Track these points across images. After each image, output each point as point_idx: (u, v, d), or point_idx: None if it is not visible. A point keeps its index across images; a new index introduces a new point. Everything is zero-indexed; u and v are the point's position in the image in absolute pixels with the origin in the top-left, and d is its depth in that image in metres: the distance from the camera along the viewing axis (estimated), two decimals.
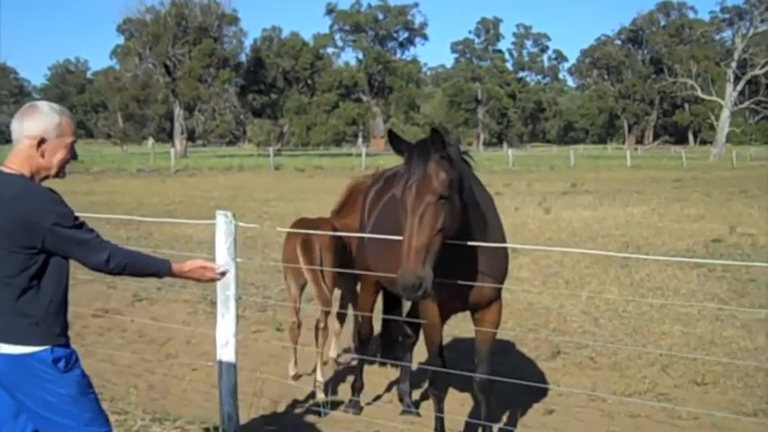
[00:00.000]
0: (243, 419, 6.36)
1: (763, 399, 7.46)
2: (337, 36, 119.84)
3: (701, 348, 9.11)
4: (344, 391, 7.65)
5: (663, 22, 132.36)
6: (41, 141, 3.95)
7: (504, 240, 5.80)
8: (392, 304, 7.73)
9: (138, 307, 11.28)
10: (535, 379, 7.76)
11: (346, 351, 8.85)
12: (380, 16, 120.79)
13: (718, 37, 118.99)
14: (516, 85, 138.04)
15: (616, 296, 11.62)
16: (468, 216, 5.21)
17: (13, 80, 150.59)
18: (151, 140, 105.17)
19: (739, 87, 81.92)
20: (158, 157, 61.66)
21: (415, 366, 7.72)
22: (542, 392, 7.61)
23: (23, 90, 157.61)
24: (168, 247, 15.00)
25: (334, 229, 7.89)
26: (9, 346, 3.89)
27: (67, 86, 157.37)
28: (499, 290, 5.77)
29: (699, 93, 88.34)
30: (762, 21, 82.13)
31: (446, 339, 7.43)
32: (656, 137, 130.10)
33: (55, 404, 3.95)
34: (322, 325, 7.84)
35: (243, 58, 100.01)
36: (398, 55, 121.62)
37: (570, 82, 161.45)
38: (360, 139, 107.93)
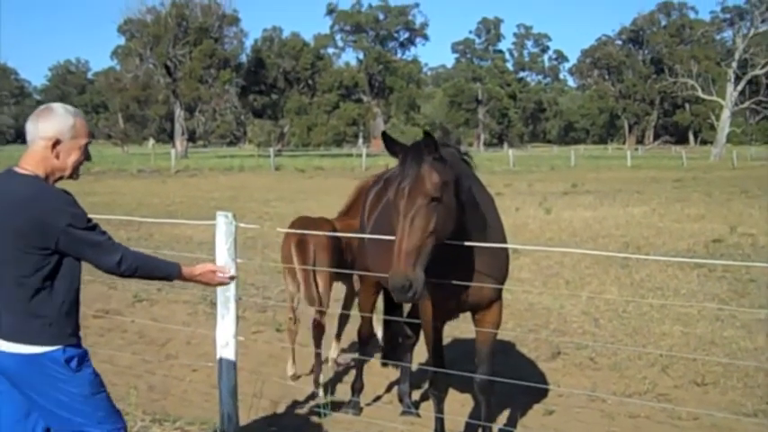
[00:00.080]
0: (243, 420, 6.37)
1: (763, 399, 7.46)
2: (338, 36, 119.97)
3: (702, 349, 9.12)
4: (344, 391, 7.65)
5: (663, 23, 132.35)
6: (56, 143, 4.00)
7: (504, 241, 5.79)
8: (393, 305, 7.72)
9: (138, 308, 11.29)
10: (535, 379, 7.76)
11: (344, 351, 8.85)
12: (381, 16, 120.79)
13: (718, 37, 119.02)
14: (517, 86, 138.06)
15: (616, 296, 11.62)
16: (467, 217, 5.21)
17: (13, 81, 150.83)
18: (152, 141, 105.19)
19: (740, 87, 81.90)
20: (159, 157, 61.66)
21: (415, 367, 7.72)
22: (542, 393, 7.61)
23: (24, 91, 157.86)
24: (168, 248, 15.00)
25: (334, 229, 7.89)
26: (22, 346, 3.93)
27: (68, 87, 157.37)
28: (500, 290, 5.77)
29: (699, 93, 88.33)
30: (762, 21, 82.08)
31: (446, 340, 7.43)
32: (656, 137, 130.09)
33: (68, 403, 3.98)
34: (317, 323, 7.87)
35: (243, 58, 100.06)
36: (399, 55, 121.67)
37: (571, 82, 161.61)
38: (360, 140, 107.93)
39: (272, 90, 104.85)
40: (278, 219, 20.79)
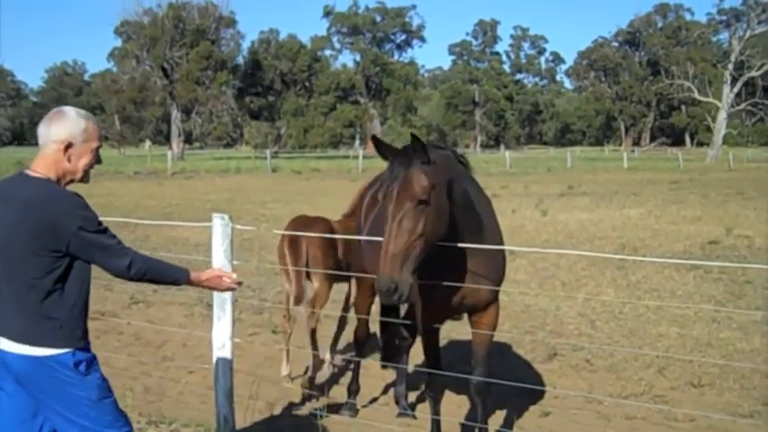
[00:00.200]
0: (239, 422, 6.36)
1: (759, 400, 7.47)
2: (335, 38, 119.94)
3: (698, 350, 9.12)
4: (341, 393, 7.65)
5: (660, 24, 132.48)
6: (68, 146, 4.03)
7: (501, 243, 5.79)
8: (389, 306, 7.71)
9: (134, 310, 11.29)
10: (531, 381, 7.76)
11: (339, 353, 8.83)
12: (378, 18, 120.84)
13: (715, 39, 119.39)
14: (513, 87, 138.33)
15: (612, 298, 11.62)
16: (462, 219, 5.21)
17: (10, 82, 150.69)
18: (148, 143, 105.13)
19: (736, 89, 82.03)
20: (155, 159, 61.61)
21: (411, 369, 7.72)
22: (539, 394, 7.61)
23: (20, 92, 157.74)
24: (165, 250, 14.99)
25: (331, 229, 7.92)
26: (32, 348, 3.94)
27: (64, 89, 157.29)
28: (496, 292, 5.77)
29: (696, 95, 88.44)
30: (759, 22, 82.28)
31: (443, 342, 7.44)
32: (652, 139, 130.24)
33: (75, 407, 4.00)
34: (312, 322, 7.92)
35: (240, 60, 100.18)
36: (396, 57, 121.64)
37: (567, 84, 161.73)
38: (357, 142, 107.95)
39: (268, 92, 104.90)
40: (274, 220, 20.78)
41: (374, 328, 8.21)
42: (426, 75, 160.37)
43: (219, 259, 5.87)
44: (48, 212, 3.88)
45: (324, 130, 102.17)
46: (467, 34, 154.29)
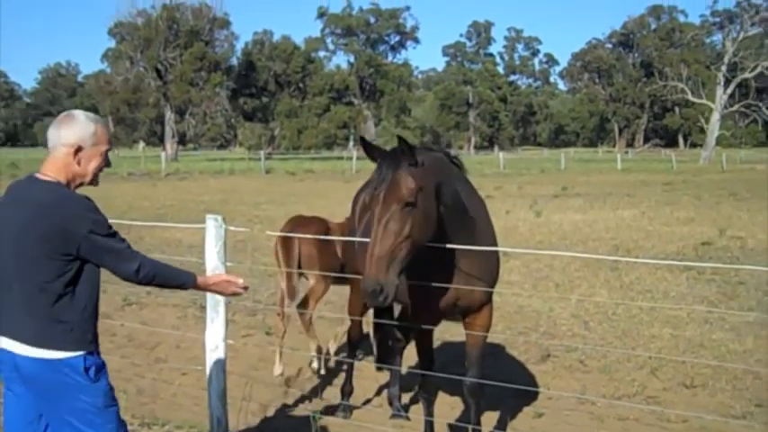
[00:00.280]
0: (232, 424, 6.36)
1: (751, 401, 7.48)
2: (329, 39, 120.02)
3: (690, 351, 9.14)
4: (334, 394, 7.65)
5: (653, 26, 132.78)
6: (78, 149, 4.05)
7: (495, 244, 5.79)
8: (383, 308, 7.73)
9: (127, 311, 11.27)
10: (525, 382, 7.77)
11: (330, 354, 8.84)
12: (372, 20, 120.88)
13: (708, 40, 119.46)
14: (507, 89, 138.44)
15: (606, 299, 11.64)
16: (454, 221, 5.22)
17: (3, 84, 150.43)
18: (142, 144, 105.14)
19: (729, 91, 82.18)
20: (149, 160, 61.58)
21: (404, 370, 7.72)
22: (532, 396, 7.62)
23: (14, 94, 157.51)
24: (159, 251, 14.96)
25: (328, 228, 7.97)
26: (43, 351, 3.94)
27: (58, 90, 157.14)
28: (490, 293, 5.77)
29: (689, 96, 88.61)
30: (752, 24, 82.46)
31: (436, 343, 7.44)
32: (646, 140, 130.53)
33: (80, 413, 4.00)
34: (306, 321, 8.04)
35: (234, 61, 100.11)
36: (390, 58, 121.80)
37: (561, 85, 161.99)
38: (351, 143, 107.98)
39: (262, 93, 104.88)
40: (268, 222, 20.77)
41: (367, 329, 8.23)
42: (420, 76, 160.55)
43: (213, 261, 5.87)
44: (58, 216, 3.90)
45: (318, 131, 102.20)
46: (461, 36, 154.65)
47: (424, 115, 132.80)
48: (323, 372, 8.24)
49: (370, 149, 5.05)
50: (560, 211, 24.99)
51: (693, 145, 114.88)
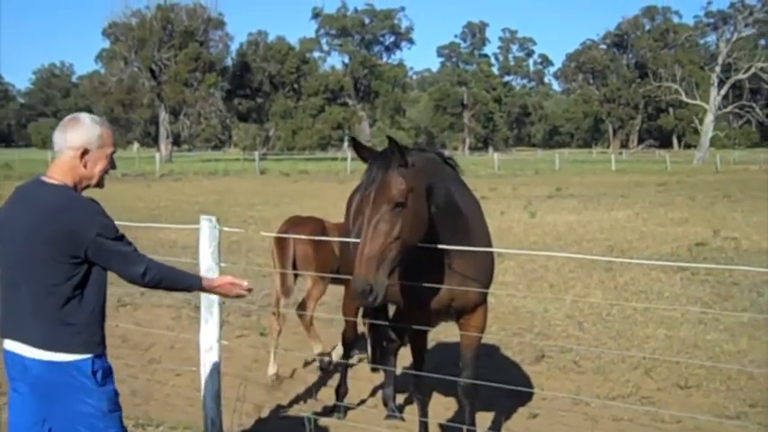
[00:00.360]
0: (226, 425, 6.35)
1: (745, 402, 7.50)
2: (323, 40, 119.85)
3: (685, 352, 9.15)
4: (329, 395, 7.65)
5: (648, 27, 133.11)
6: (84, 152, 4.07)
7: (489, 245, 5.79)
8: (377, 309, 7.73)
9: (121, 312, 11.25)
10: (519, 383, 7.76)
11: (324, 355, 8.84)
12: (367, 20, 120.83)
13: (702, 41, 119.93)
14: (502, 90, 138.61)
15: (600, 300, 11.65)
16: (447, 222, 5.22)
17: None
18: (136, 145, 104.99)
19: (723, 91, 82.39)
20: (143, 161, 61.49)
21: (399, 371, 7.72)
22: (526, 396, 7.63)
23: (8, 94, 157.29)
24: (153, 252, 14.84)
25: (324, 228, 7.98)
26: (52, 354, 3.95)
27: (52, 90, 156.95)
28: (485, 294, 5.77)
29: (683, 97, 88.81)
30: (746, 25, 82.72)
31: (431, 344, 7.44)
32: (640, 141, 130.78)
33: (84, 416, 4.01)
34: (305, 322, 8.11)
35: (229, 62, 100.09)
36: (384, 59, 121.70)
37: (556, 86, 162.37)
38: (345, 144, 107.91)
39: (257, 94, 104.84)
40: (262, 223, 20.76)
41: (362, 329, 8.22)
42: (415, 77, 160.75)
43: (207, 261, 5.87)
44: (66, 219, 3.92)
45: (312, 132, 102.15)
46: (455, 36, 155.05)
47: (419, 116, 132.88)
48: (331, 366, 8.26)
49: (360, 150, 5.06)
50: (555, 212, 25.01)
51: (687, 146, 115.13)
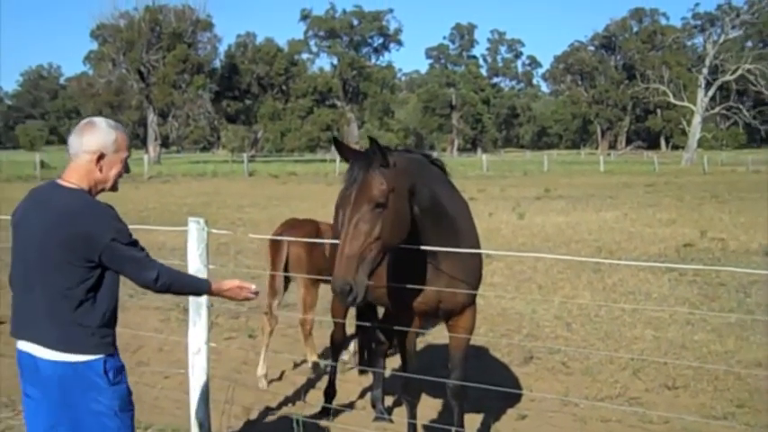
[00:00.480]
0: (215, 427, 6.33)
1: (732, 402, 7.53)
2: (312, 42, 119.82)
3: (672, 352, 9.18)
4: (317, 397, 7.64)
5: (635, 29, 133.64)
6: (100, 157, 4.11)
7: (477, 246, 5.79)
8: (366, 310, 7.73)
9: None
10: (508, 384, 7.78)
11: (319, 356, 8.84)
12: (355, 22, 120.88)
13: (689, 43, 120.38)
14: (490, 91, 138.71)
15: (588, 301, 11.68)
16: (431, 223, 5.22)
17: None
18: None
19: (710, 93, 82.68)
20: (131, 163, 60.56)
21: (387, 373, 7.72)
22: (515, 398, 7.64)
23: None
24: None
25: (319, 231, 7.99)
26: (65, 355, 3.99)
27: (40, 92, 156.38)
28: (473, 296, 5.77)
29: (671, 98, 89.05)
30: (732, 27, 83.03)
31: (420, 345, 7.44)
32: (628, 142, 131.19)
33: (96, 415, 4.05)
34: (305, 329, 8.14)
35: (217, 63, 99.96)
36: (373, 61, 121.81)
37: (544, 87, 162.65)
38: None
39: (245, 95, 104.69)
40: (251, 225, 20.74)
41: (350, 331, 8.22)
42: (403, 78, 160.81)
43: (195, 263, 5.86)
44: (83, 223, 3.95)
45: (301, 133, 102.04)
46: (444, 38, 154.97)
47: (408, 117, 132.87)
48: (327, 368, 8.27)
49: (342, 150, 5.07)
50: (543, 214, 25.06)
51: (675, 147, 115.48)
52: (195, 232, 5.90)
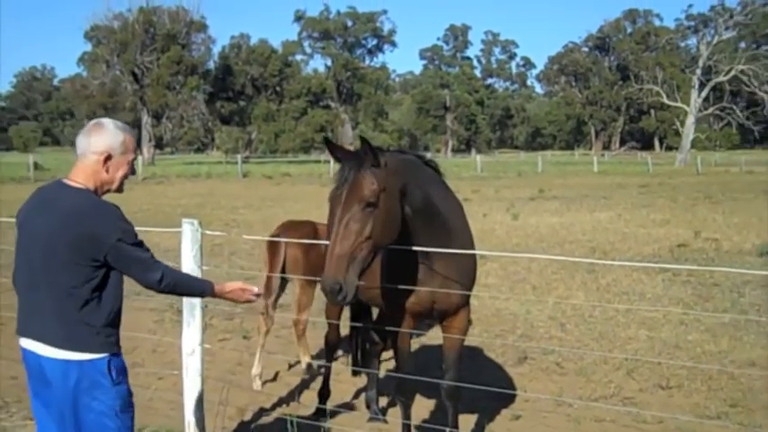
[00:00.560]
0: (209, 428, 6.33)
1: (726, 402, 7.55)
2: (306, 43, 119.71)
3: (666, 353, 9.20)
4: (312, 398, 7.64)
5: (629, 30, 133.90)
6: (108, 158, 4.16)
7: (472, 247, 5.79)
8: (360, 312, 7.73)
9: None
10: (502, 385, 7.79)
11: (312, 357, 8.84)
12: (349, 23, 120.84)
13: (683, 44, 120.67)
14: (485, 92, 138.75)
15: (582, 301, 11.70)
16: (423, 224, 5.22)
17: None
18: None
19: (704, 94, 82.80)
20: None
21: (382, 373, 7.72)
22: (509, 398, 7.65)
23: None
24: None
25: (316, 232, 8.00)
26: (71, 353, 4.03)
27: (33, 94, 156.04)
28: (467, 297, 5.78)
29: (664, 99, 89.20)
30: (726, 28, 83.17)
31: (414, 346, 7.44)
32: (622, 143, 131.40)
33: (98, 415, 4.09)
34: (299, 330, 8.14)
35: (211, 65, 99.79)
36: (367, 62, 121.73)
37: (538, 88, 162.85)
38: None
39: (239, 97, 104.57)
40: (245, 226, 20.74)
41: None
42: (397, 79, 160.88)
43: (189, 264, 5.85)
44: (90, 223, 3.99)
45: (295, 134, 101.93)
46: (438, 39, 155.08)
47: (402, 118, 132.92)
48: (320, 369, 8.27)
49: (334, 150, 5.07)
50: (537, 214, 25.09)
51: (669, 148, 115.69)
52: (189, 233, 5.89)
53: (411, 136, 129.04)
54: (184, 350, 6.02)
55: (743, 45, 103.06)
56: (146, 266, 4.15)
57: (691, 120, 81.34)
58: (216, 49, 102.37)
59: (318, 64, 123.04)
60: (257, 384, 8.09)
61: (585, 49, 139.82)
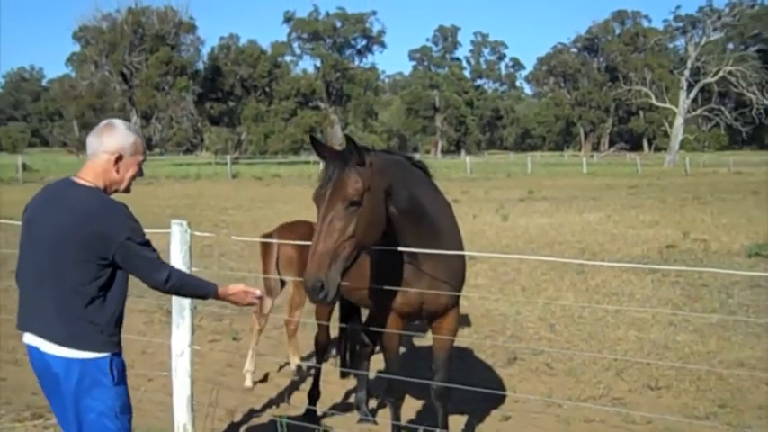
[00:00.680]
0: (198, 430, 6.31)
1: (714, 402, 7.57)
2: (295, 44, 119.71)
3: (655, 353, 9.22)
4: (301, 399, 7.63)
5: (618, 31, 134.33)
6: (119, 158, 4.21)
7: (461, 248, 5.79)
8: (350, 313, 7.74)
9: None
10: (492, 385, 7.80)
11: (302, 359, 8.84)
12: (338, 24, 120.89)
13: (671, 45, 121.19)
14: (474, 93, 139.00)
15: (572, 302, 11.72)
16: (410, 224, 5.22)
17: None
18: None
19: (692, 95, 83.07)
20: None
21: (372, 374, 7.72)
22: (499, 399, 7.66)
23: None
24: None
25: (312, 230, 8.00)
26: (74, 351, 4.05)
27: (22, 94, 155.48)
28: (457, 297, 5.78)
29: (653, 100, 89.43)
30: (714, 29, 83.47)
31: (403, 347, 7.45)
32: (611, 144, 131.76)
33: (98, 416, 4.12)
34: (290, 330, 8.18)
35: (200, 65, 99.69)
36: (356, 63, 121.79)
37: (527, 89, 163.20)
38: None
39: (229, 98, 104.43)
40: (234, 227, 20.71)
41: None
42: (387, 80, 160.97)
43: (178, 266, 5.83)
44: (99, 222, 4.02)
45: (284, 135, 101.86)
46: (427, 40, 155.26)
47: (391, 119, 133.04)
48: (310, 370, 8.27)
49: (319, 148, 5.06)
50: (527, 215, 25.13)
51: (658, 149, 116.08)
52: (178, 234, 5.88)
53: (400, 137, 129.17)
54: (174, 351, 6.01)
55: (731, 46, 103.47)
56: (153, 266, 4.19)
57: (679, 121, 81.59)
58: (205, 50, 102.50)
59: (308, 65, 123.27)
60: (248, 381, 8.09)
61: (574, 51, 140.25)
